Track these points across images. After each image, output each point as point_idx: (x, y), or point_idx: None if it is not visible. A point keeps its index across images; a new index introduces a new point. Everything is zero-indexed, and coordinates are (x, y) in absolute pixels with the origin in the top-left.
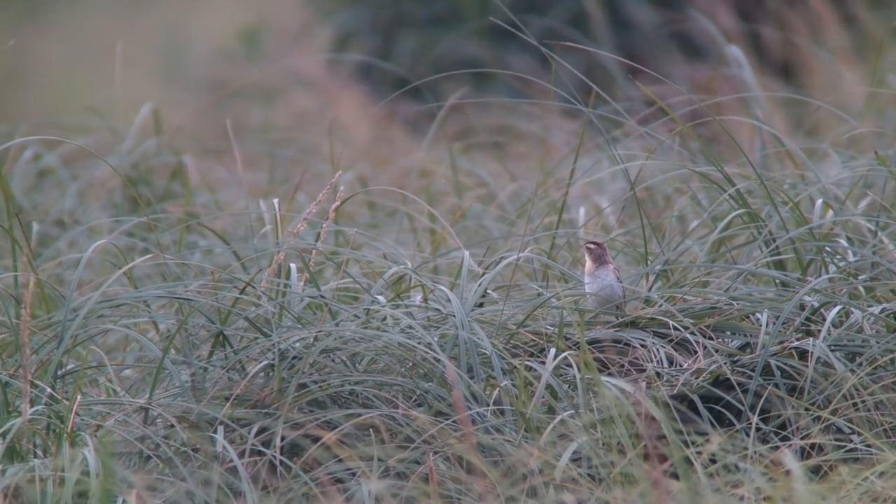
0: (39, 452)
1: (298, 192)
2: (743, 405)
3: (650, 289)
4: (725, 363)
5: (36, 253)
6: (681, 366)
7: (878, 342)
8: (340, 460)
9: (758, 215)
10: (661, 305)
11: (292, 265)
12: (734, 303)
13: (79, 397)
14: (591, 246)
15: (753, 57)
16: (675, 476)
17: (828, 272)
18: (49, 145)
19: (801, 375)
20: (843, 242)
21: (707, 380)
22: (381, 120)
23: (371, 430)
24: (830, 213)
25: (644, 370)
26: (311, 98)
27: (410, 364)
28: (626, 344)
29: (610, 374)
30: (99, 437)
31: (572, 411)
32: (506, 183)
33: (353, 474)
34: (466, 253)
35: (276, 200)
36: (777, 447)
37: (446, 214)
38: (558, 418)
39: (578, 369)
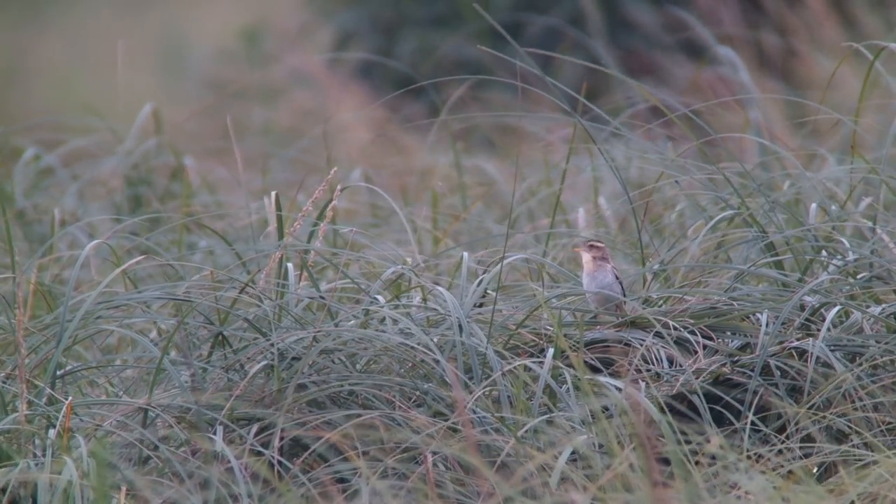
0: (38, 453)
1: (300, 192)
2: (743, 405)
3: (648, 289)
4: (725, 363)
5: (34, 253)
6: (681, 366)
7: (877, 342)
8: (343, 460)
9: (755, 218)
10: (660, 305)
11: (289, 265)
12: (734, 303)
13: (70, 398)
14: (597, 244)
15: (753, 58)
16: (675, 476)
17: (827, 272)
18: (49, 145)
19: (801, 375)
20: (845, 242)
21: (707, 380)
22: (381, 120)
23: (370, 430)
24: (829, 212)
25: (644, 370)
26: (312, 98)
27: (410, 364)
28: (626, 344)
29: (610, 375)
30: (95, 437)
31: (567, 413)
32: (505, 183)
33: (353, 474)
34: (466, 254)
35: (272, 194)
36: (777, 448)
37: (447, 214)
38: (542, 418)
39: (575, 369)
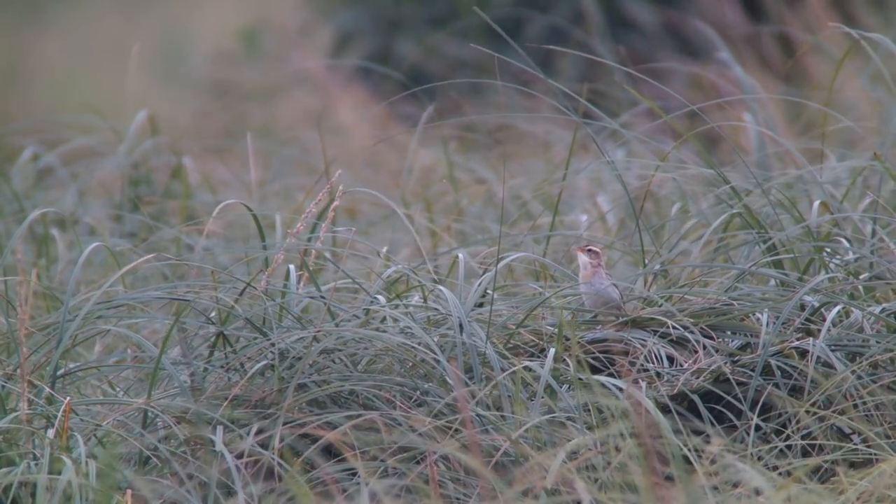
0: (38, 453)
1: (299, 192)
2: (743, 405)
3: (649, 289)
4: (726, 363)
5: (37, 254)
6: (681, 366)
7: (878, 342)
8: (340, 460)
9: (755, 217)
10: (661, 305)
11: (290, 266)
12: (734, 303)
13: (69, 398)
14: (595, 249)
15: (754, 57)
16: (675, 476)
17: (827, 272)
18: (49, 145)
19: (802, 375)
20: (844, 242)
21: (707, 380)
22: (381, 119)
23: (370, 430)
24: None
25: (645, 370)
26: (312, 98)
27: (410, 364)
28: (626, 344)
29: (610, 374)
30: (96, 437)
31: (568, 413)
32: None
33: (353, 475)
34: (464, 253)
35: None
36: (777, 447)
37: (444, 212)
38: (540, 418)
39: (576, 368)
